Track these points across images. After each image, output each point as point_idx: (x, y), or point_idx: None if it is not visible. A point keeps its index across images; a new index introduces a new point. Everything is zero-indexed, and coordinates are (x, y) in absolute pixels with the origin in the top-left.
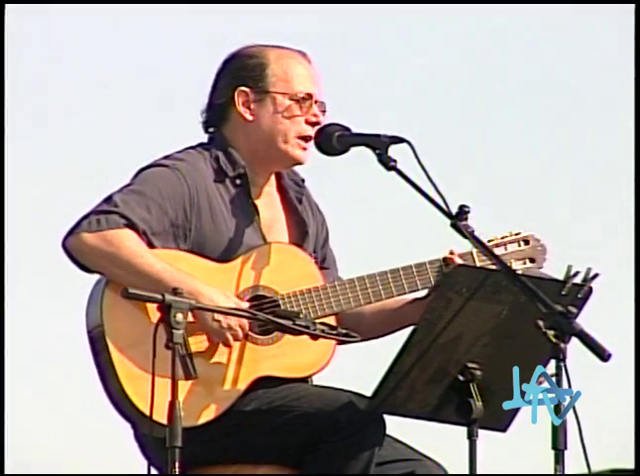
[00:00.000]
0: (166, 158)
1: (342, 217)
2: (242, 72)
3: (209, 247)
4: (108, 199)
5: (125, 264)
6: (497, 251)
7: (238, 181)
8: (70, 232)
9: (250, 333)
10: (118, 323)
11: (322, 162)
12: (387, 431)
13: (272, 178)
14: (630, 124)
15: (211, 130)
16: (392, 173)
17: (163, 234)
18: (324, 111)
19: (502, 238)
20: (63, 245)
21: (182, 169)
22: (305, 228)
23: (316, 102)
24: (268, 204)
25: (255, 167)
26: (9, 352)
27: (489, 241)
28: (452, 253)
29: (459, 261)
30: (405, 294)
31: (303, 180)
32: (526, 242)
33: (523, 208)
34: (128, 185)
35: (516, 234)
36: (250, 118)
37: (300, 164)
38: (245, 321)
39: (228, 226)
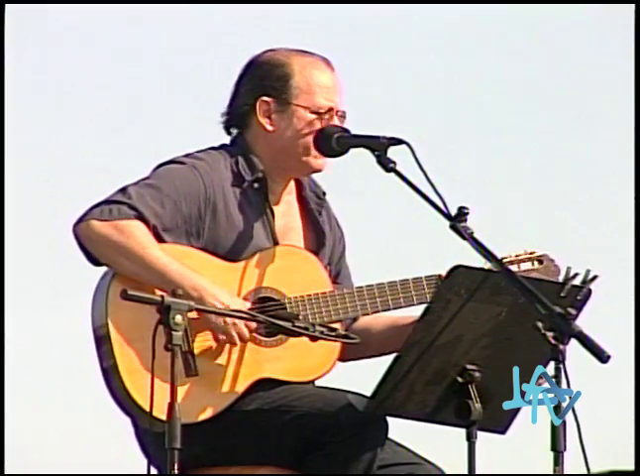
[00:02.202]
0: (187, 156)
1: (340, 217)
2: (265, 81)
3: (222, 247)
4: (123, 190)
5: (132, 254)
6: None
7: (256, 185)
8: (81, 219)
9: (254, 334)
10: (122, 317)
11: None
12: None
13: (292, 186)
14: (630, 124)
15: (234, 131)
16: (391, 174)
17: (176, 231)
18: (344, 118)
19: (517, 256)
20: (74, 231)
21: (200, 168)
22: (323, 239)
23: (337, 112)
24: (285, 212)
25: (272, 173)
26: (9, 352)
27: (503, 259)
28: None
29: None
30: (414, 305)
31: (324, 194)
32: (540, 261)
33: (522, 209)
34: (144, 179)
35: (530, 253)
36: (270, 128)
37: (319, 171)
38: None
39: (243, 228)
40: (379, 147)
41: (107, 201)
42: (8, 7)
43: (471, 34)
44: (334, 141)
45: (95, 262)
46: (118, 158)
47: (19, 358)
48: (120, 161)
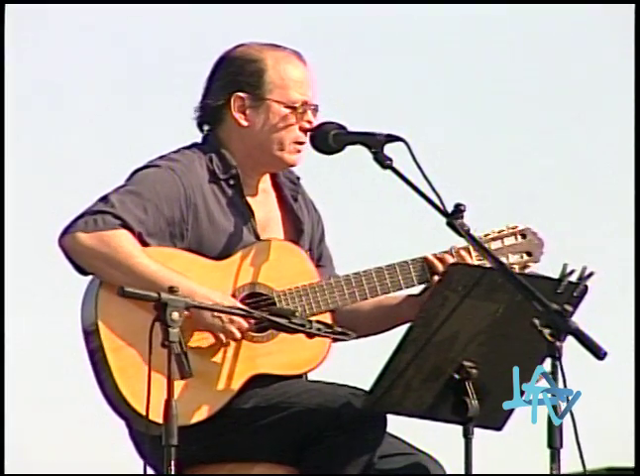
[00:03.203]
0: (161, 158)
1: (338, 215)
2: (239, 77)
3: (206, 246)
4: (104, 199)
5: (120, 265)
6: (494, 245)
7: (231, 182)
8: (66, 231)
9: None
10: (112, 322)
11: (318, 160)
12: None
13: (267, 175)
14: (630, 123)
15: (206, 128)
16: (388, 171)
17: (160, 234)
18: (317, 111)
19: (499, 232)
20: (60, 243)
21: (177, 169)
22: (300, 226)
23: (310, 106)
24: (263, 202)
25: (247, 169)
26: (9, 352)
27: (486, 235)
28: (451, 250)
29: (438, 265)
30: (401, 289)
31: (299, 178)
32: (523, 235)
33: (520, 207)
34: (123, 186)
35: (513, 228)
36: (244, 124)
37: (293, 166)
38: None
39: (224, 225)
40: (376, 144)
41: (90, 212)
42: (8, 7)
43: (471, 34)
44: (330, 138)
45: (84, 272)
46: (117, 158)
47: (19, 358)
48: (119, 161)
